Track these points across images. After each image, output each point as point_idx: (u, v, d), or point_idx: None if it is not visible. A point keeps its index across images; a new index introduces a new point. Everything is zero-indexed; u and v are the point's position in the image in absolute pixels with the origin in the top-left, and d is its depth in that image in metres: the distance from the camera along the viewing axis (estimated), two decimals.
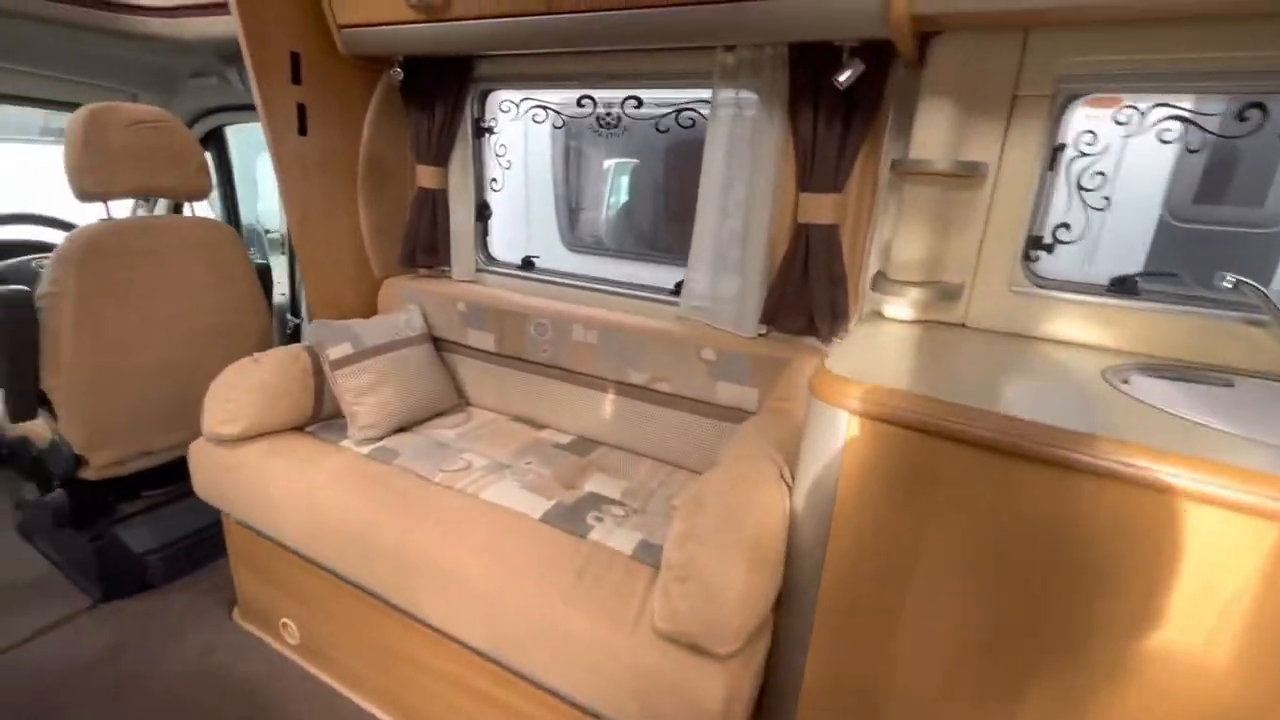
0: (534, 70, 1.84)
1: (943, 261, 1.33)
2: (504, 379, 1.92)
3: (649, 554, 1.26)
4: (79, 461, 1.75)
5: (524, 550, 1.25)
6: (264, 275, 2.11)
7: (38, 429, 1.77)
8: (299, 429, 1.74)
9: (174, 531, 1.96)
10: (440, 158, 1.98)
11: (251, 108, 1.70)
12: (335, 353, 1.71)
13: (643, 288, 1.88)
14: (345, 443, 1.69)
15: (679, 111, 1.71)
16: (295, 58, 1.73)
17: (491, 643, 1.20)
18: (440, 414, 1.90)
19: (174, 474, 1.65)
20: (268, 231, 2.84)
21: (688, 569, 1.01)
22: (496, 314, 1.90)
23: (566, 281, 1.98)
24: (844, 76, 1.24)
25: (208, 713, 1.54)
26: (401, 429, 1.78)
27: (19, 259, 2.37)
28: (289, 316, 2.39)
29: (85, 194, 1.65)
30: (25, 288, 1.61)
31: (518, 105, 2.02)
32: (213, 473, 1.63)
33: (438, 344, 2.01)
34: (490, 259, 2.17)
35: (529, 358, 1.86)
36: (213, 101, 2.44)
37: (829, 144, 1.37)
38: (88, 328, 1.66)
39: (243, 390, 1.62)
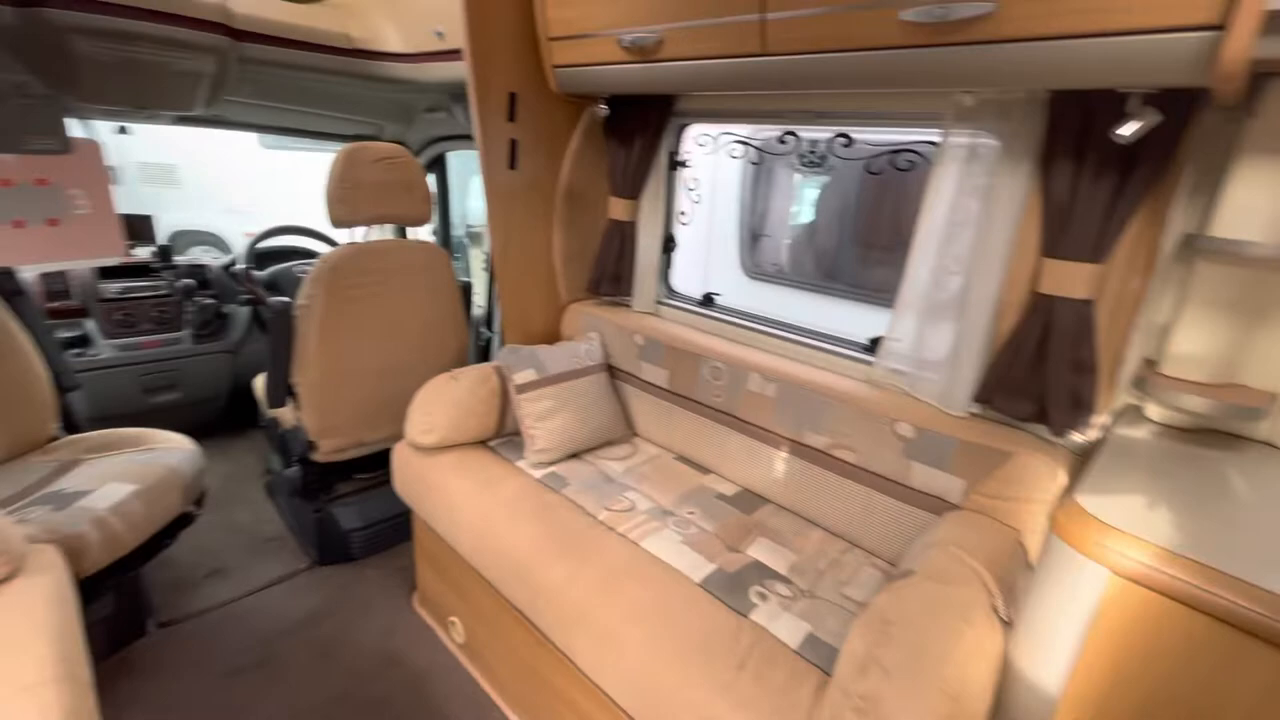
0: (737, 106, 1.78)
1: (1245, 362, 1.03)
2: (672, 417, 1.89)
3: (817, 652, 1.14)
4: (311, 446, 2.04)
5: (683, 622, 1.20)
6: (465, 292, 2.30)
7: (285, 415, 2.10)
8: (483, 443, 1.87)
9: (375, 514, 2.22)
10: (633, 190, 2.00)
11: (470, 137, 1.84)
12: (520, 378, 1.80)
13: (831, 339, 1.73)
14: (521, 463, 1.77)
15: (896, 153, 1.54)
16: (512, 97, 1.84)
17: (640, 711, 1.17)
18: (610, 443, 1.92)
19: (381, 462, 1.86)
20: (470, 227, 3.12)
21: (869, 707, 0.88)
22: (672, 351, 1.87)
23: (748, 324, 1.89)
24: (1129, 130, 1.00)
25: (382, 692, 1.70)
26: (573, 455, 1.83)
27: (288, 264, 2.85)
28: (483, 329, 2.59)
29: (337, 221, 1.91)
30: (289, 299, 1.90)
31: (715, 139, 1.97)
32: (408, 474, 1.80)
33: (612, 372, 2.03)
34: (671, 292, 2.16)
35: (700, 400, 1.81)
36: (440, 132, 2.73)
37: (1092, 205, 1.13)
38: (328, 336, 1.92)
39: (439, 405, 1.77)
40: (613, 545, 1.43)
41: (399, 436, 1.83)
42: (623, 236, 2.07)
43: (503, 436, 1.90)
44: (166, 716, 1.60)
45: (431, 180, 2.95)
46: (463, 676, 1.76)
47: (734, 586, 1.31)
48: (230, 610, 1.96)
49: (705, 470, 1.81)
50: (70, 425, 1.94)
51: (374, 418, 2.10)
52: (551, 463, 1.77)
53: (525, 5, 1.74)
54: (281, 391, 1.99)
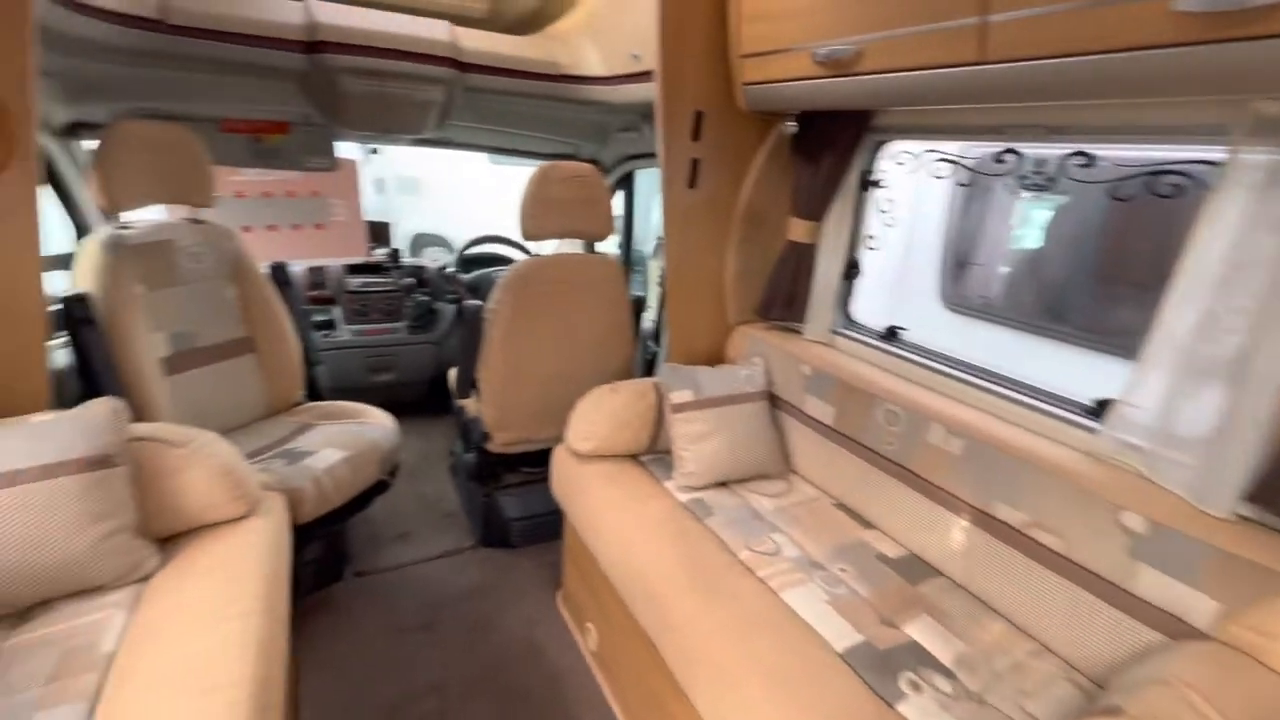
0: (946, 121, 1.58)
1: None
2: (836, 459, 1.73)
3: None
4: (487, 436, 2.23)
5: (815, 694, 1.07)
6: (637, 306, 2.34)
7: (470, 405, 2.32)
8: (635, 457, 1.88)
9: (535, 507, 2.35)
10: (817, 211, 1.88)
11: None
12: (677, 397, 1.77)
13: (1044, 394, 1.44)
14: (669, 483, 1.75)
15: (1157, 174, 1.24)
16: (698, 116, 1.84)
17: None
18: (763, 476, 1.82)
19: (546, 459, 1.98)
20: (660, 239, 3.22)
21: None
22: (842, 387, 1.71)
23: (937, 365, 1.66)
24: None
25: (522, 682, 1.79)
26: (722, 483, 1.76)
27: (491, 269, 3.16)
28: (650, 343, 2.63)
29: (528, 235, 2.06)
30: (481, 303, 2.10)
31: (916, 157, 1.77)
32: (563, 476, 1.88)
33: (774, 401, 1.92)
34: (850, 321, 1.99)
35: (870, 445, 1.63)
36: (631, 150, 2.84)
37: None
38: (510, 339, 2.08)
39: (597, 415, 1.82)
40: (749, 589, 1.34)
41: (563, 438, 1.91)
42: (800, 259, 1.96)
43: (655, 453, 1.90)
44: (345, 658, 1.84)
45: (620, 197, 3.08)
46: (593, 684, 1.78)
47: (882, 667, 1.15)
48: (409, 572, 2.21)
49: (867, 524, 1.62)
50: (312, 393, 2.34)
51: (543, 417, 2.23)
52: (699, 488, 1.72)
53: (719, 24, 1.73)
54: (467, 384, 2.20)
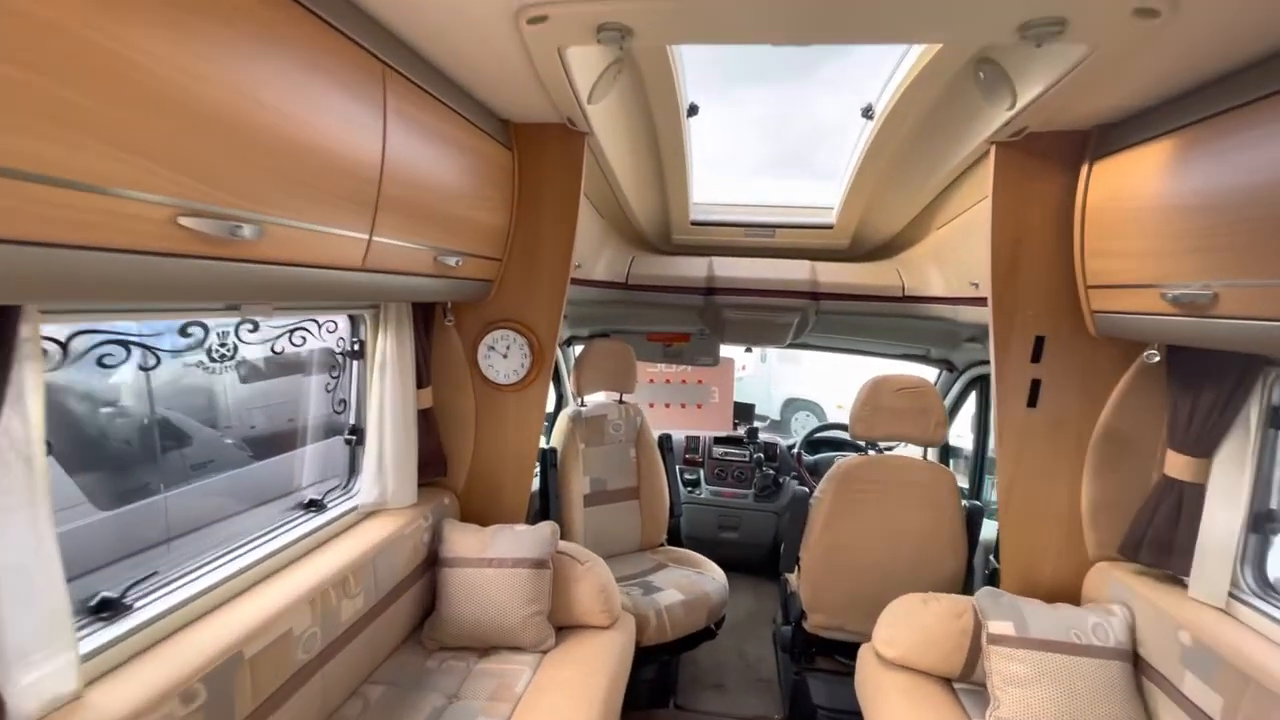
0: None
1: None
2: None
3: None
4: (804, 614, 2.39)
5: None
6: (974, 515, 2.27)
7: (793, 579, 2.54)
8: (947, 680, 1.80)
9: (843, 700, 2.33)
10: (1202, 447, 1.62)
11: None
12: (995, 627, 1.68)
13: None
14: None
15: None
16: (1039, 340, 1.86)
17: None
18: None
19: (856, 652, 2.03)
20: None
21: None
22: (1236, 675, 1.36)
23: None
24: None
25: None
26: None
27: (834, 453, 3.44)
28: (992, 558, 2.42)
29: (856, 436, 2.30)
30: (807, 490, 2.39)
31: None
32: (864, 676, 1.91)
33: (1138, 663, 1.61)
34: (1265, 586, 1.57)
35: None
36: (983, 356, 2.84)
37: None
38: (830, 526, 2.28)
39: (904, 622, 1.84)
40: None
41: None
42: (1182, 499, 1.68)
43: (971, 683, 1.78)
44: None
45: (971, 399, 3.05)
46: None
47: None
48: None
49: None
50: (672, 538, 2.92)
51: (859, 609, 2.28)
52: None
53: (1063, 253, 1.79)
54: (791, 560, 2.45)
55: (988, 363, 2.90)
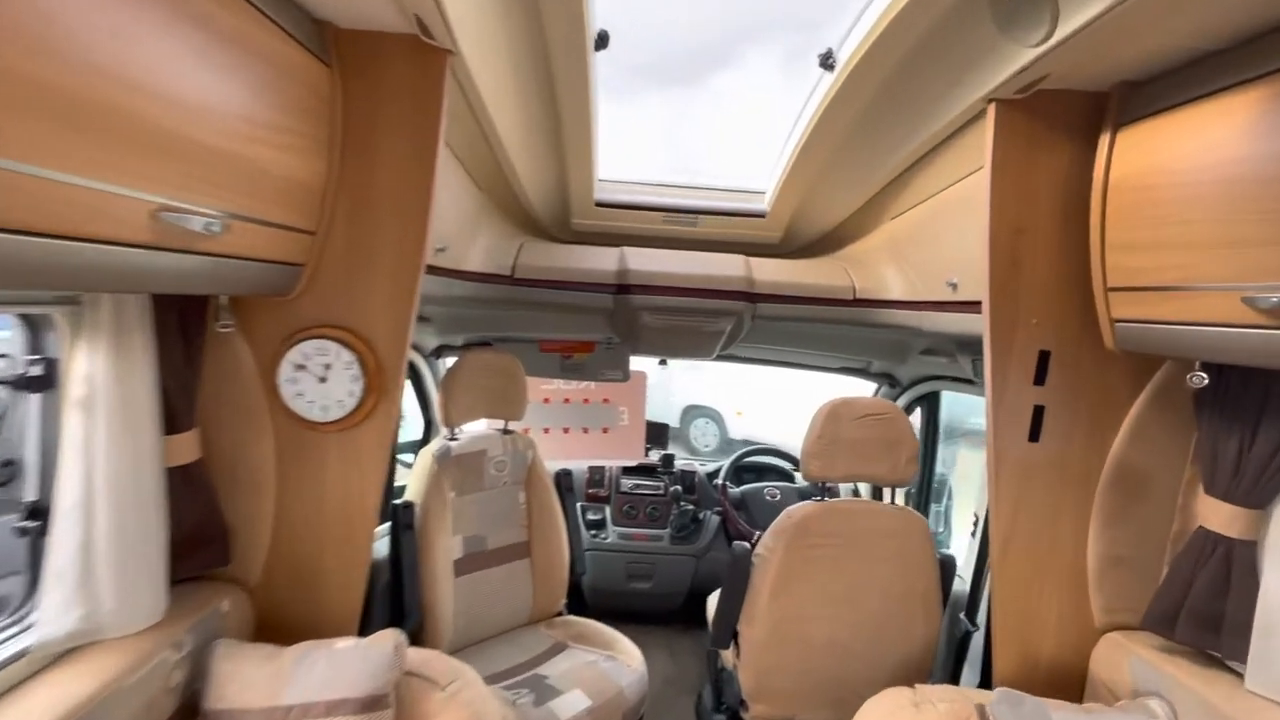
0: None
1: None
2: None
3: None
4: (744, 704, 1.87)
5: None
6: (946, 568, 1.86)
7: (728, 657, 2.01)
8: None
9: None
10: (1253, 496, 1.28)
11: (972, 381, 1.53)
12: None
13: None
14: None
15: None
16: (1043, 357, 1.47)
17: None
18: None
19: None
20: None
21: None
22: None
23: None
24: None
25: None
26: None
27: (761, 484, 2.98)
28: (961, 618, 2.03)
29: (810, 476, 1.82)
30: (748, 546, 1.87)
31: None
32: None
33: None
34: None
35: None
36: (936, 371, 2.49)
37: None
38: (778, 595, 1.78)
39: None
40: None
41: None
42: (1229, 559, 1.32)
43: None
44: None
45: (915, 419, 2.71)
46: None
47: None
48: None
49: None
50: (573, 596, 2.30)
51: (815, 696, 1.82)
52: None
53: (1074, 253, 1.42)
54: (727, 635, 1.92)
55: (938, 378, 2.58)
